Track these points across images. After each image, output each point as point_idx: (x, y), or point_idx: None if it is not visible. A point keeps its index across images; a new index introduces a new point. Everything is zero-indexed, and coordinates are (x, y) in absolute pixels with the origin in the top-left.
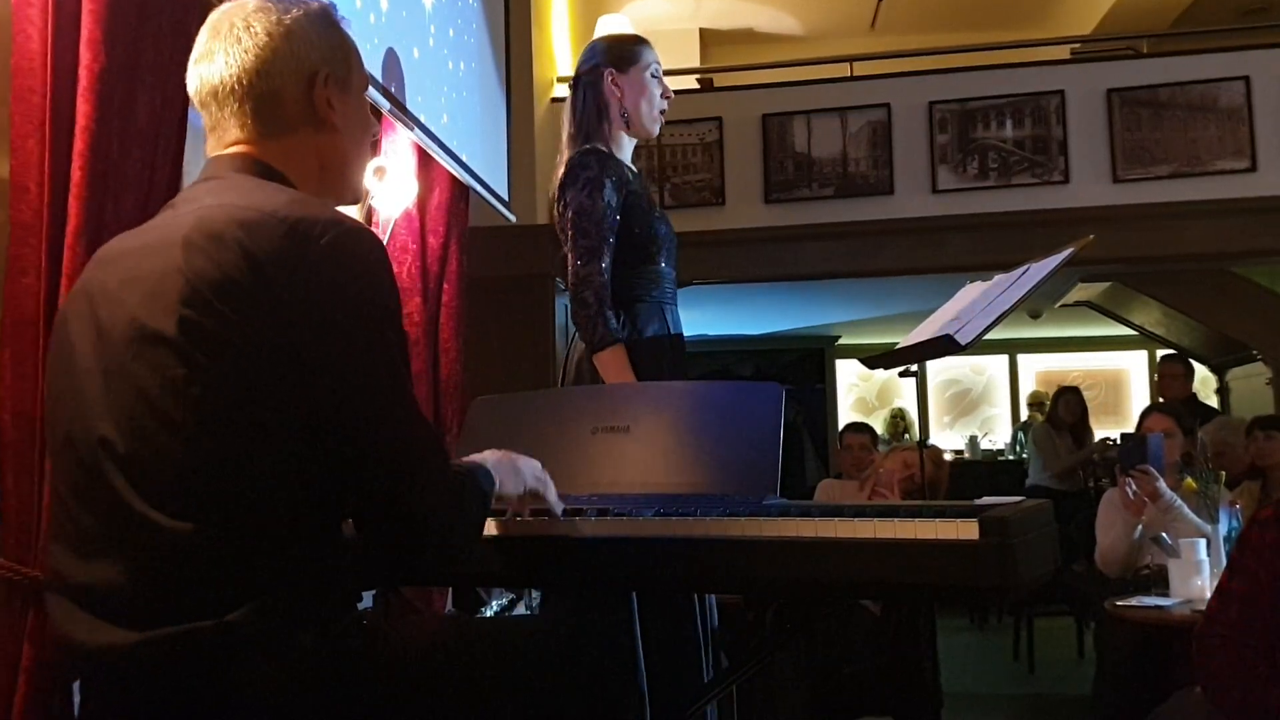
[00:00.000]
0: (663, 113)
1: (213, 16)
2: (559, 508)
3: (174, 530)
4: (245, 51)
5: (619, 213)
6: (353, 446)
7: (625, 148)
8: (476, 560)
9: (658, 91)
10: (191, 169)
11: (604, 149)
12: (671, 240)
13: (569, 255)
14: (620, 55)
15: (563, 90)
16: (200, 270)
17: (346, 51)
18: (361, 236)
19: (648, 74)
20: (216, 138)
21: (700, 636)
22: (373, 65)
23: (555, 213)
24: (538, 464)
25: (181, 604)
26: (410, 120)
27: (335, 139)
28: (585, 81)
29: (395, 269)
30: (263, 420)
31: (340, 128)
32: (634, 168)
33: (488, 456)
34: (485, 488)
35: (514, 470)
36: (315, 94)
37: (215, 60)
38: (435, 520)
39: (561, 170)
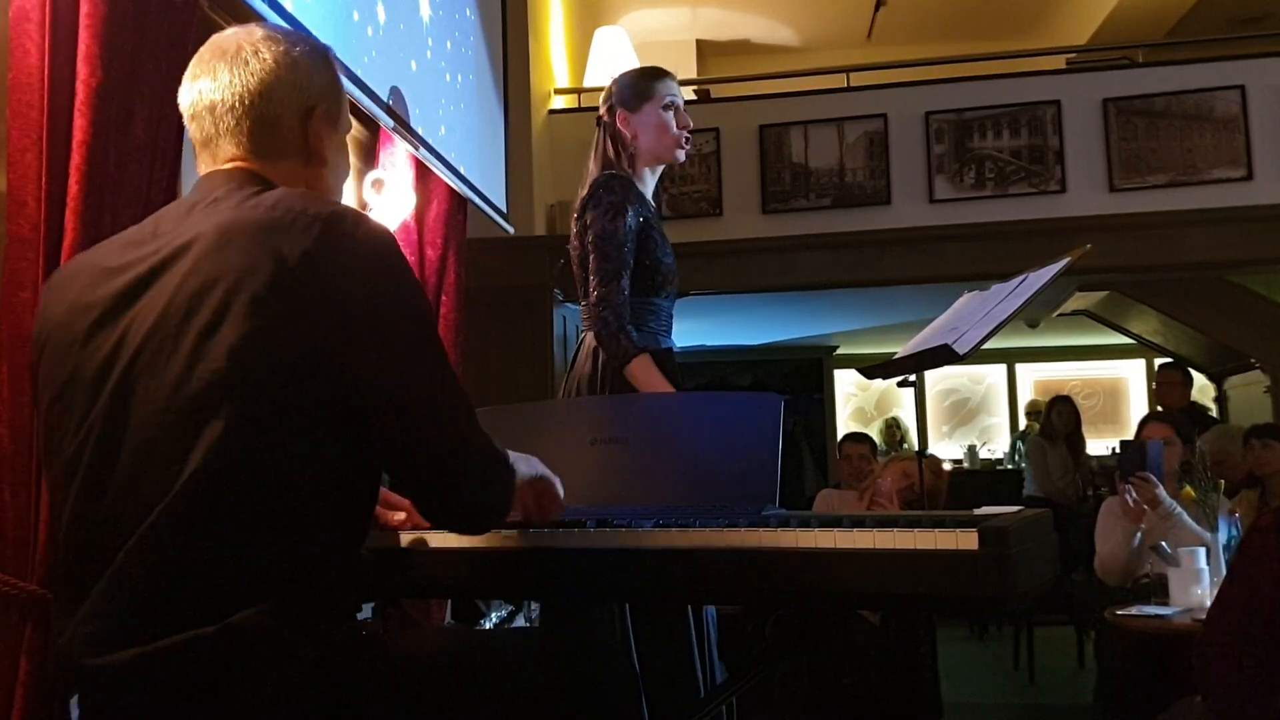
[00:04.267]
0: (687, 141)
1: (219, 37)
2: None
3: (186, 530)
4: (251, 74)
5: (636, 240)
6: (403, 420)
7: (647, 181)
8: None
9: (674, 123)
10: (189, 184)
11: (627, 177)
12: (675, 274)
13: (590, 276)
14: (633, 94)
15: (560, 102)
16: (250, 267)
17: (339, 92)
18: (380, 226)
19: (662, 108)
20: (210, 153)
21: (695, 649)
22: (370, 77)
23: (573, 228)
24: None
25: (186, 608)
26: (408, 133)
27: (323, 173)
28: (604, 122)
29: None
30: (295, 422)
31: (329, 162)
32: (653, 203)
33: None
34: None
35: (522, 457)
36: (310, 126)
37: (219, 77)
38: (485, 491)
39: (585, 190)
